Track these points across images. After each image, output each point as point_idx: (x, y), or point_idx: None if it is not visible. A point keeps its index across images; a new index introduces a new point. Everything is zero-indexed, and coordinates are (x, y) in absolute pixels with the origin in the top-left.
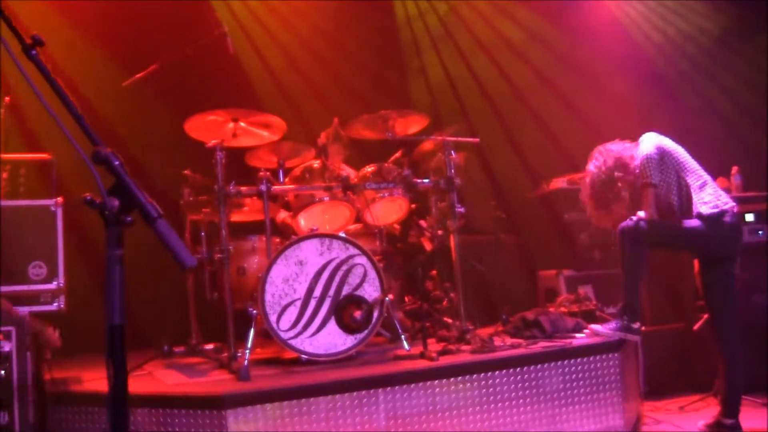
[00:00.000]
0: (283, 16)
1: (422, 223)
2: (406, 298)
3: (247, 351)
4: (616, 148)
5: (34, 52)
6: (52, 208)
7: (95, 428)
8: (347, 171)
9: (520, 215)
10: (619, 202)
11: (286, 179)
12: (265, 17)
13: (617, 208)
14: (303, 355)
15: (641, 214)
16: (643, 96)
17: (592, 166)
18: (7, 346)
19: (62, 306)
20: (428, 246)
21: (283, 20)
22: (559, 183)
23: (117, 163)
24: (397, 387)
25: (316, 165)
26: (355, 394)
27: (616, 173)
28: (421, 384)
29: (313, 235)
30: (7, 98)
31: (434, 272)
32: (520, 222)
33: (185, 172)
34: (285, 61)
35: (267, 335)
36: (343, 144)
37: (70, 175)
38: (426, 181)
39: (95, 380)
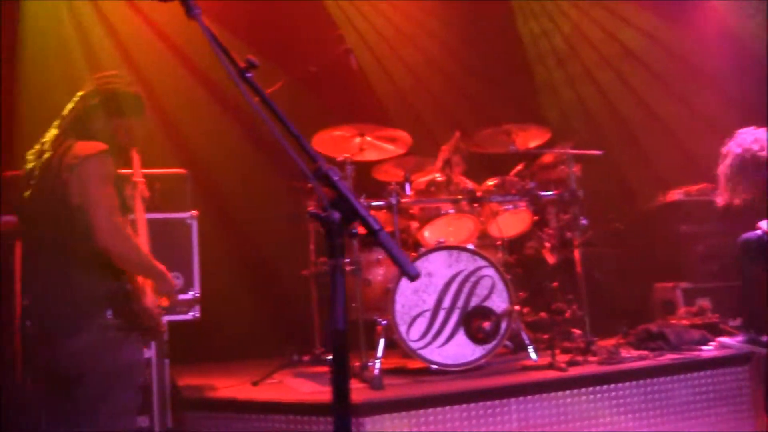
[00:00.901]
0: (407, 32)
1: (543, 234)
2: (525, 310)
3: (379, 360)
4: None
5: (249, 75)
6: (188, 221)
7: None
8: (469, 184)
9: (635, 226)
10: (753, 183)
11: (412, 192)
12: (388, 33)
13: (750, 188)
14: (432, 365)
15: (764, 226)
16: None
17: (734, 145)
18: (147, 353)
19: (197, 315)
20: (549, 258)
21: (406, 36)
22: (676, 195)
23: (337, 178)
24: (528, 396)
25: (439, 178)
26: (488, 403)
27: (758, 153)
28: (552, 394)
29: (441, 247)
30: None
31: (556, 284)
32: (636, 233)
33: (309, 185)
34: (410, 76)
35: (390, 345)
36: (461, 156)
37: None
38: (550, 193)
39: (228, 387)
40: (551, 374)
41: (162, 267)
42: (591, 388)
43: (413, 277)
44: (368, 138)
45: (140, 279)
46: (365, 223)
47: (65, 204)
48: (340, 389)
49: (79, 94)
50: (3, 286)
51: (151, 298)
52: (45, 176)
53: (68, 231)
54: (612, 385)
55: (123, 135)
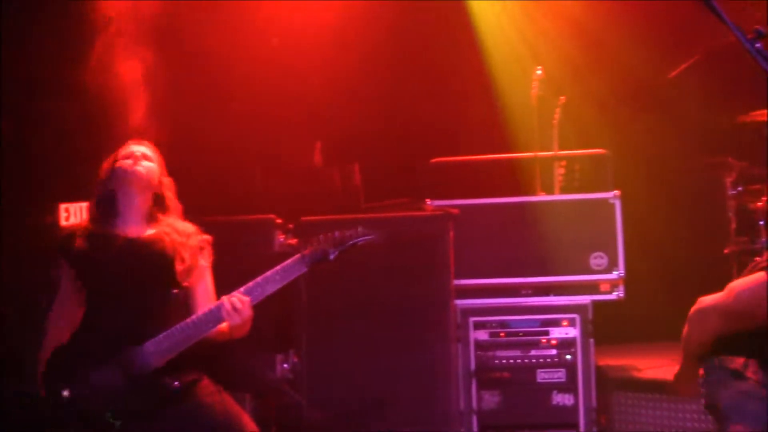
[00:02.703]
0: None
1: None
2: None
3: None
4: None
5: (758, 45)
6: (611, 200)
7: (656, 415)
8: None
9: None
10: None
11: None
12: None
13: None
14: None
15: None
16: None
17: None
18: (572, 332)
19: (621, 295)
20: None
21: None
22: None
23: None
24: None
25: None
26: None
27: None
28: None
29: None
30: (562, 98)
31: None
32: None
33: (728, 159)
34: None
35: None
36: None
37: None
38: None
39: (652, 368)
40: None
41: None
42: None
43: None
44: None
45: None
46: None
47: None
48: None
49: None
50: None
51: None
52: None
53: None
54: None
55: None
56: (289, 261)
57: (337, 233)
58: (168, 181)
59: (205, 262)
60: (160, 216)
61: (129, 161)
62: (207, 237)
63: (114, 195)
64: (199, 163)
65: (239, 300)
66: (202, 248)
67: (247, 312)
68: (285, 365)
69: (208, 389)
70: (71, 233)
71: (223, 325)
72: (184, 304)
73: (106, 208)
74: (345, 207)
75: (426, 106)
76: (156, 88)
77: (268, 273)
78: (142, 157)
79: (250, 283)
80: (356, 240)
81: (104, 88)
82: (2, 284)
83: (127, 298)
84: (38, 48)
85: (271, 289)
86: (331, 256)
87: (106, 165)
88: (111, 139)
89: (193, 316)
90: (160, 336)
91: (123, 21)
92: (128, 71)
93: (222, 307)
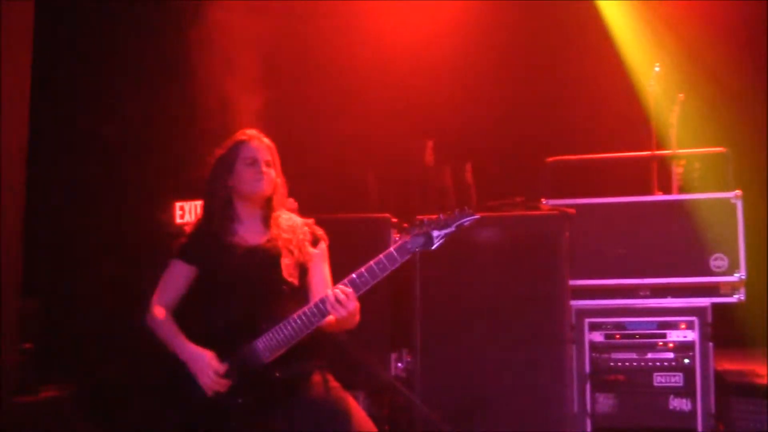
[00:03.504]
0: None
1: None
2: None
3: None
4: None
5: None
6: (732, 200)
7: None
8: None
9: None
10: None
11: None
12: None
13: None
14: None
15: None
16: None
17: None
18: (690, 335)
19: (742, 298)
20: None
21: None
22: None
23: None
24: None
25: None
26: None
27: None
28: None
29: None
30: (681, 95)
31: None
32: None
33: None
34: None
35: None
36: None
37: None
38: None
39: None
40: None
41: None
42: None
43: None
44: None
45: None
46: None
47: None
48: None
49: None
50: None
51: None
52: None
53: None
54: None
55: None
56: (392, 247)
57: (441, 216)
58: (282, 182)
59: (318, 251)
60: (274, 215)
61: (253, 171)
62: (320, 230)
63: (233, 199)
64: (312, 162)
65: (342, 291)
66: (314, 241)
67: (352, 304)
68: (399, 364)
69: (322, 385)
70: (189, 233)
71: (331, 318)
72: (296, 299)
73: (226, 211)
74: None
75: (538, 105)
76: (270, 88)
77: (372, 262)
78: (265, 164)
79: (353, 274)
80: (461, 221)
81: (216, 89)
82: (122, 283)
83: (240, 297)
84: (152, 49)
85: (375, 278)
86: (435, 239)
87: (227, 157)
88: (224, 138)
89: (300, 311)
90: (270, 332)
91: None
92: (241, 71)
93: (327, 300)
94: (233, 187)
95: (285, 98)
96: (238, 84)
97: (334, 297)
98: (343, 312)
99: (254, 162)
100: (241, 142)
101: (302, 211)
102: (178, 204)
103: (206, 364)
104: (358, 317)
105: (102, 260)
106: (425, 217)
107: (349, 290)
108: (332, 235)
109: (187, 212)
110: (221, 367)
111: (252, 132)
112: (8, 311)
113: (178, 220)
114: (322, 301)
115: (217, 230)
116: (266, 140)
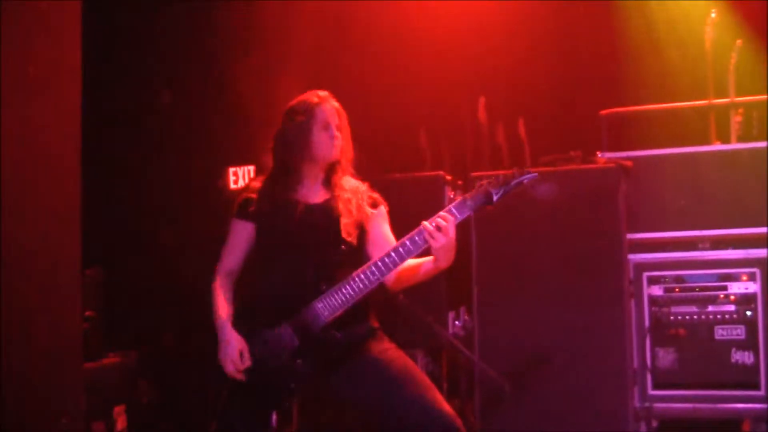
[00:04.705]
0: None
1: None
2: None
3: None
4: None
5: None
6: None
7: None
8: None
9: None
10: None
11: None
12: None
13: None
14: None
15: None
16: None
17: None
18: (752, 287)
19: None
20: None
21: None
22: None
23: None
24: None
25: None
26: None
27: None
28: None
29: None
30: (739, 41)
31: None
32: None
33: None
34: None
35: None
36: None
37: None
38: None
39: None
40: None
41: None
42: None
43: None
44: None
45: None
46: None
47: None
48: None
49: None
50: None
51: None
52: None
53: None
54: None
55: None
56: (451, 204)
57: (500, 174)
58: (349, 146)
59: (377, 212)
60: (335, 177)
61: (327, 135)
62: (377, 195)
63: (298, 160)
64: (365, 122)
65: (443, 218)
66: (373, 204)
67: (453, 231)
68: (457, 323)
69: (381, 345)
70: (248, 192)
71: (424, 261)
72: (354, 260)
73: (289, 174)
74: (512, 162)
75: (591, 57)
76: (320, 51)
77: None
78: (336, 128)
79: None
80: (520, 179)
81: (271, 56)
82: (180, 247)
83: (297, 255)
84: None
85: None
86: (495, 197)
87: (300, 119)
88: (279, 105)
89: (366, 266)
90: (330, 292)
91: None
92: (293, 37)
93: (423, 231)
94: (304, 149)
95: (335, 61)
96: (289, 50)
97: (436, 225)
98: (442, 240)
99: (327, 126)
100: (315, 105)
101: (357, 172)
102: (231, 170)
103: (229, 354)
104: (454, 252)
105: (159, 228)
106: (484, 175)
107: (451, 217)
108: (386, 195)
109: (241, 177)
110: (243, 363)
111: (323, 94)
112: (72, 281)
113: (232, 186)
114: (418, 233)
115: (278, 189)
116: (336, 103)
